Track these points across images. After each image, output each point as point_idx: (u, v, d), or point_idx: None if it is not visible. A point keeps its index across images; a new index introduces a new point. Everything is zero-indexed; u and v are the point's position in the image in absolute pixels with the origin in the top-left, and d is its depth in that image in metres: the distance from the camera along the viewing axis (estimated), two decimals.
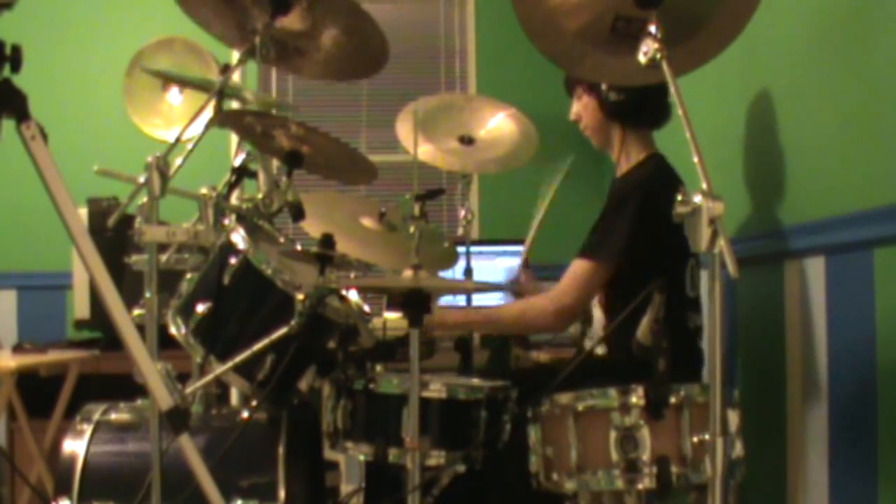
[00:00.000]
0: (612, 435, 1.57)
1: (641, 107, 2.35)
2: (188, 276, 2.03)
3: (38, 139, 1.38)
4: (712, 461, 1.32)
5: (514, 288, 2.78)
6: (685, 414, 1.56)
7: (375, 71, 2.10)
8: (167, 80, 2.53)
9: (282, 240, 2.16)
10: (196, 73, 2.52)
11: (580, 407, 1.61)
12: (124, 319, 1.44)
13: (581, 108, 2.45)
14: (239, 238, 1.97)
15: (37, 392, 3.12)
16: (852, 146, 1.90)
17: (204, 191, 1.92)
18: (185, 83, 2.43)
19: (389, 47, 2.01)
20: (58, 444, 2.23)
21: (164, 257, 1.98)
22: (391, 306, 3.40)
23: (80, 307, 3.33)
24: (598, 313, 2.37)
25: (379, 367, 2.03)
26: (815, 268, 2.07)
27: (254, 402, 1.99)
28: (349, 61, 2.08)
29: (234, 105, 2.17)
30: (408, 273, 1.84)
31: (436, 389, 1.84)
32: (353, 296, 2.12)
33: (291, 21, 1.96)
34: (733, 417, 1.60)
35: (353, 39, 2.01)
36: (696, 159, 1.35)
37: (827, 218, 2.00)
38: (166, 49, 2.96)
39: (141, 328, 1.55)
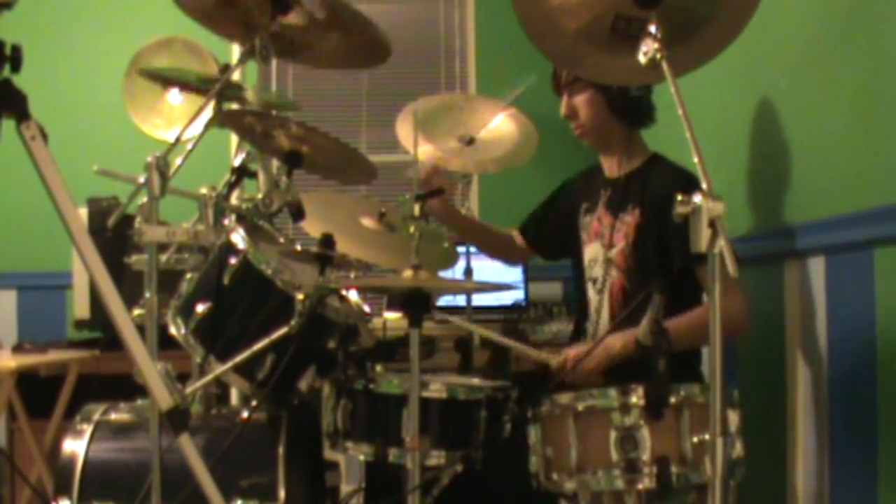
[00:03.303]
0: (612, 435, 1.57)
1: (649, 105, 2.35)
2: (188, 276, 2.03)
3: (38, 139, 1.38)
4: (712, 461, 1.32)
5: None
6: (685, 414, 1.56)
7: (379, 62, 2.08)
8: (166, 82, 2.52)
9: (282, 240, 2.16)
10: (195, 72, 2.52)
11: (580, 407, 1.61)
12: (124, 319, 1.44)
13: (581, 103, 2.36)
14: (239, 238, 1.97)
15: (37, 392, 3.12)
16: (852, 146, 1.90)
17: (204, 191, 1.93)
18: (182, 85, 2.43)
19: (390, 41, 2.01)
20: (58, 444, 2.23)
21: (164, 257, 1.98)
22: (391, 306, 3.40)
23: (80, 307, 3.33)
24: (605, 316, 2.34)
25: (379, 367, 2.03)
26: (816, 268, 2.07)
27: (254, 402, 1.99)
28: (351, 54, 2.08)
29: (235, 105, 2.17)
30: (408, 273, 1.84)
31: (436, 389, 1.84)
32: (353, 296, 2.12)
33: (292, 18, 1.96)
34: (733, 417, 1.60)
35: (353, 38, 2.01)
36: (696, 159, 1.35)
37: (827, 218, 2.00)
38: (166, 49, 2.96)
39: (141, 328, 1.55)
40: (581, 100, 2.36)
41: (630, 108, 2.33)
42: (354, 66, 2.20)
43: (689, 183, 2.10)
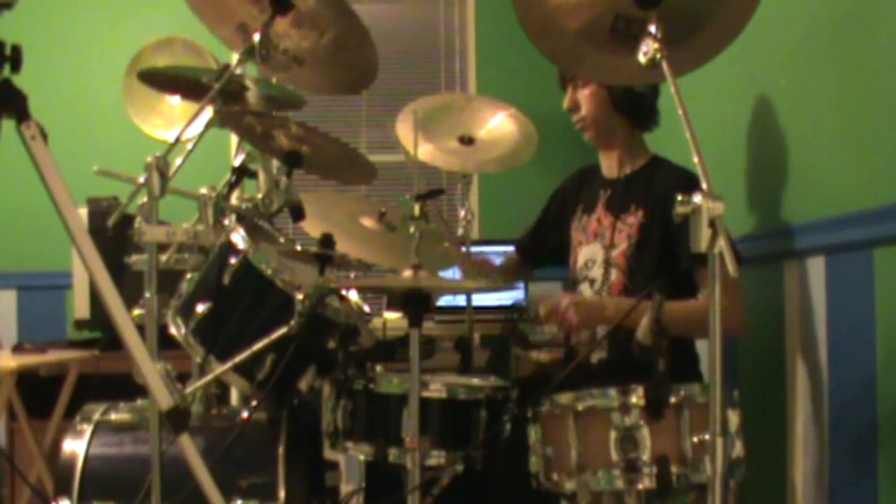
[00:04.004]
0: (612, 435, 1.57)
1: (653, 106, 2.35)
2: (188, 276, 2.03)
3: (38, 139, 1.38)
4: (712, 461, 1.32)
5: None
6: (685, 414, 1.56)
7: (365, 86, 2.10)
8: (165, 87, 2.52)
9: (282, 240, 2.16)
10: (194, 69, 2.52)
11: (580, 407, 1.61)
12: (124, 319, 1.44)
13: (584, 97, 2.35)
14: (239, 238, 1.97)
15: (37, 392, 3.13)
16: (852, 146, 1.90)
17: (204, 191, 1.93)
18: (182, 88, 2.42)
19: (378, 62, 2.03)
20: (58, 444, 2.23)
21: (164, 257, 1.98)
22: (391, 306, 3.40)
23: (80, 307, 3.33)
24: None
25: (379, 367, 2.03)
26: (816, 268, 2.07)
27: (254, 402, 1.99)
28: (340, 75, 2.09)
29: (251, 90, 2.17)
30: (408, 273, 1.84)
31: (436, 389, 1.84)
32: (353, 296, 2.12)
33: (287, 31, 1.96)
34: (733, 417, 1.60)
35: (344, 51, 2.01)
36: (696, 159, 1.35)
37: (827, 218, 2.00)
38: (166, 49, 2.97)
39: (141, 328, 1.55)
40: (585, 93, 2.36)
41: (633, 104, 2.32)
42: (343, 90, 2.21)
43: (693, 183, 2.11)
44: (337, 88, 2.23)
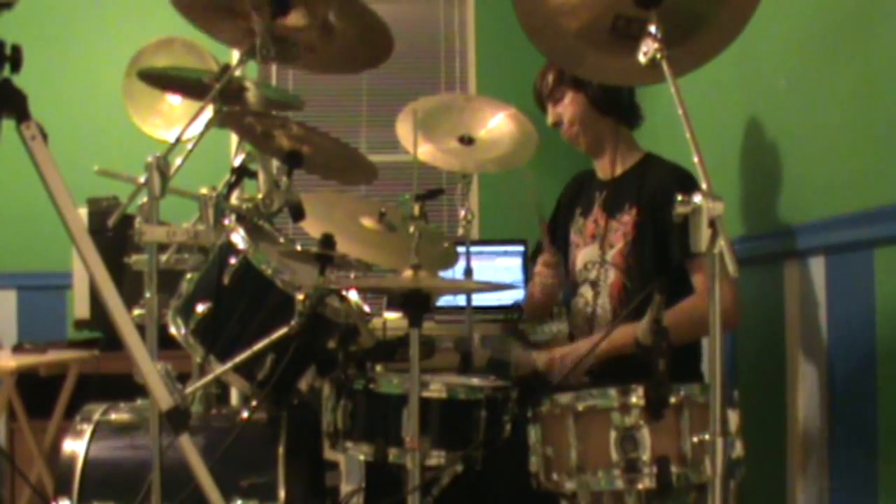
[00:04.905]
0: (612, 435, 1.57)
1: (632, 101, 2.36)
2: (188, 276, 2.03)
3: (38, 139, 1.38)
4: (712, 461, 1.32)
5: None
6: (685, 414, 1.56)
7: (381, 61, 2.07)
8: (165, 85, 2.52)
9: (282, 240, 2.16)
10: (195, 70, 2.51)
11: (580, 407, 1.61)
12: (124, 319, 1.44)
13: (565, 107, 2.39)
14: (239, 238, 1.97)
15: (37, 392, 3.13)
16: (852, 146, 1.90)
17: (204, 191, 1.93)
18: (182, 88, 2.42)
19: (393, 38, 1.99)
20: (58, 444, 2.23)
21: (164, 257, 1.98)
22: (391, 306, 3.40)
23: (80, 307, 3.33)
24: (608, 317, 2.33)
25: (379, 367, 2.03)
26: (816, 268, 2.07)
27: (254, 402, 1.99)
28: (353, 53, 2.07)
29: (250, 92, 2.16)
30: (408, 273, 1.84)
31: (436, 389, 1.84)
32: (353, 296, 2.12)
33: (293, 19, 1.96)
34: (733, 417, 1.60)
35: (355, 31, 1.99)
36: (696, 159, 1.35)
37: (827, 218, 2.00)
38: (166, 49, 2.96)
39: (141, 328, 1.55)
40: (564, 103, 2.40)
41: (612, 102, 2.34)
42: (358, 68, 2.19)
43: (684, 179, 2.12)
44: (352, 66, 2.19)
